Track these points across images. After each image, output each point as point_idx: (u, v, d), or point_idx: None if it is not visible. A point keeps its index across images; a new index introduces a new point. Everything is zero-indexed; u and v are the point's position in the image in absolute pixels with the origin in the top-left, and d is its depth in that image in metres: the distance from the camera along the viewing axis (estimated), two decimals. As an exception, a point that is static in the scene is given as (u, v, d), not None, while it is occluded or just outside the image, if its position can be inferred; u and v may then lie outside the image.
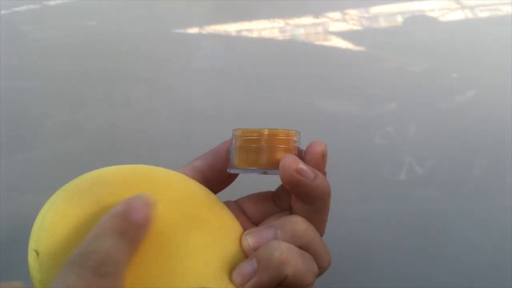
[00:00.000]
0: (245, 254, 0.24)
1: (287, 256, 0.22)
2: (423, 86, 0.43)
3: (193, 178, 0.27)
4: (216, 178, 0.27)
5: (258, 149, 0.25)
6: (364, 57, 0.44)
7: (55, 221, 0.22)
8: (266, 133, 0.25)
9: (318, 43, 0.44)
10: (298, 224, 0.24)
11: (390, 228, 0.45)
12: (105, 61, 0.45)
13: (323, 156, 0.25)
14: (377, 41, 0.44)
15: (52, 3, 0.46)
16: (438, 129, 0.44)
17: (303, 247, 0.24)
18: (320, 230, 0.26)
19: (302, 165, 0.24)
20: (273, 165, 0.25)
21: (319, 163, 0.25)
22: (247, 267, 0.22)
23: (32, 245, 0.22)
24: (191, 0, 0.44)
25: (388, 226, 0.45)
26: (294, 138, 0.26)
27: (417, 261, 0.45)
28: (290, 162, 0.24)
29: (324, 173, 0.25)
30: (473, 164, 0.44)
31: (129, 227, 0.19)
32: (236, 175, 0.28)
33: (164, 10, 0.45)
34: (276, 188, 0.28)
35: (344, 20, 0.44)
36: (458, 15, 0.43)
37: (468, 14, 0.43)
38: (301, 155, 0.26)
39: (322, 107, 0.44)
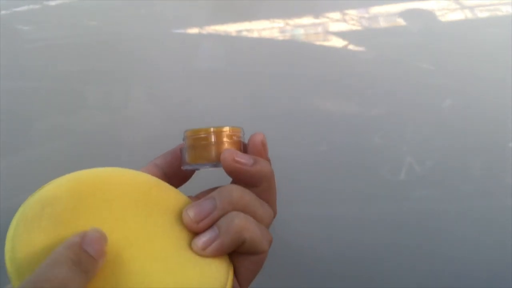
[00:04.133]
0: (188, 228, 0.26)
1: (246, 223, 0.25)
2: (423, 86, 0.43)
3: (155, 175, 0.30)
4: (175, 174, 0.30)
5: (206, 146, 0.28)
6: (364, 57, 0.44)
7: (27, 253, 0.22)
8: (212, 130, 0.29)
9: (318, 43, 0.44)
10: (233, 191, 0.26)
11: (390, 228, 0.45)
12: (105, 61, 0.45)
13: (263, 144, 0.29)
14: (377, 41, 0.44)
15: (52, 3, 0.46)
16: (438, 129, 0.44)
17: (243, 211, 0.26)
18: (273, 208, 0.29)
19: (239, 156, 0.27)
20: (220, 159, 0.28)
21: (260, 150, 0.28)
22: (208, 233, 0.25)
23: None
24: (191, 0, 0.44)
25: (388, 226, 0.45)
26: (238, 134, 0.29)
27: (417, 261, 0.45)
28: (229, 154, 0.27)
29: (267, 159, 0.29)
30: (473, 164, 0.44)
31: (84, 259, 0.19)
32: (192, 172, 0.32)
33: (164, 10, 0.45)
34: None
35: (344, 20, 0.44)
36: (458, 15, 0.43)
37: (468, 14, 0.43)
38: (245, 148, 0.29)
39: (322, 107, 0.44)
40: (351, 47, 0.44)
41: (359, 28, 0.44)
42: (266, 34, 0.44)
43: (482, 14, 0.43)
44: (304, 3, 0.44)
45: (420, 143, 0.44)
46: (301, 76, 0.44)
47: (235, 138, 0.29)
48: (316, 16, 0.44)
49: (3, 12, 0.45)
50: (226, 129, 0.29)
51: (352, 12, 0.44)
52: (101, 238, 0.21)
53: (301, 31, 0.44)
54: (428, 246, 0.45)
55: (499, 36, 0.42)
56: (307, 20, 0.44)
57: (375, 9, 0.44)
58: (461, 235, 0.44)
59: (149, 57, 0.45)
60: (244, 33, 0.45)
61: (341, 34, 0.44)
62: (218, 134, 0.28)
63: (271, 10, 0.44)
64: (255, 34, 0.44)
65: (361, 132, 0.44)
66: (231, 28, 0.44)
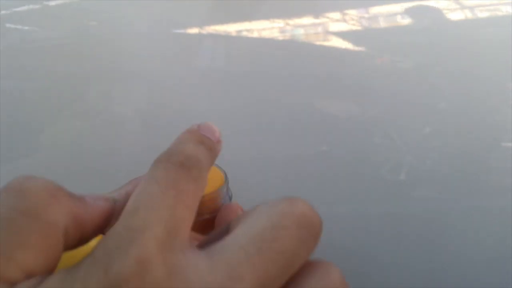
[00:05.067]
0: None
1: None
2: (423, 86, 0.43)
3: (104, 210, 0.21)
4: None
5: None
6: (364, 57, 0.44)
7: None
8: None
9: (318, 43, 0.44)
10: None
11: (390, 228, 0.45)
12: (105, 61, 0.45)
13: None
14: (377, 41, 0.44)
15: (52, 3, 0.46)
16: (438, 129, 0.44)
17: None
18: None
19: None
20: None
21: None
22: None
23: None
24: (191, 0, 0.44)
25: (388, 226, 0.45)
26: (218, 200, 0.25)
27: (417, 261, 0.45)
28: None
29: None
30: (473, 164, 0.44)
31: (206, 140, 0.19)
32: None
33: (164, 10, 0.45)
34: None
35: (344, 20, 0.44)
36: (458, 15, 0.43)
37: (468, 14, 0.43)
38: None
39: (322, 107, 0.44)
40: (351, 47, 0.44)
41: (359, 28, 0.44)
42: (266, 34, 0.44)
43: (482, 14, 0.43)
44: (304, 3, 0.44)
45: (420, 143, 0.44)
46: (301, 76, 0.44)
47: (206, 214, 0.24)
48: (316, 16, 0.44)
49: (3, 12, 0.45)
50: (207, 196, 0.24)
51: (352, 12, 0.44)
52: (214, 127, 0.21)
53: (301, 31, 0.44)
54: (428, 246, 0.45)
55: (499, 36, 0.42)
56: (307, 20, 0.44)
57: (375, 9, 0.44)
58: (461, 235, 0.44)
59: (149, 57, 0.45)
60: (244, 33, 0.45)
61: (341, 34, 0.44)
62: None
63: (271, 10, 0.44)
64: (255, 34, 0.44)
65: (361, 132, 0.44)
66: (231, 28, 0.44)
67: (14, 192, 0.16)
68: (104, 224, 0.18)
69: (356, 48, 0.44)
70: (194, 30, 0.45)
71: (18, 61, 0.46)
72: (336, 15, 0.44)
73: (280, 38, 0.44)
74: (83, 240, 0.18)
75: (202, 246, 0.16)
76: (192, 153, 0.18)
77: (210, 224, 0.24)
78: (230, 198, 0.26)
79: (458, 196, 0.44)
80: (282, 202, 0.17)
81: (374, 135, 0.44)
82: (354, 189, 0.45)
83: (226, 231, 0.17)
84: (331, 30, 0.44)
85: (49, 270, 0.15)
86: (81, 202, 0.18)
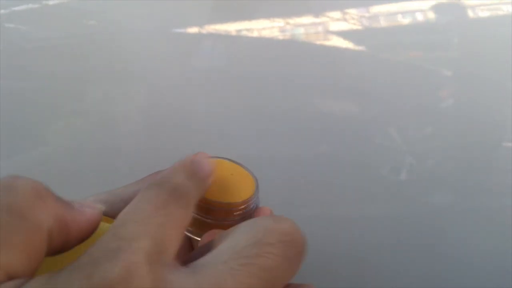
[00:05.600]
0: None
1: None
2: (423, 86, 0.43)
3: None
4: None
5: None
6: (364, 57, 0.44)
7: None
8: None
9: (318, 42, 0.44)
10: None
11: (390, 228, 0.45)
12: (105, 61, 0.45)
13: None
14: (377, 41, 0.44)
15: (51, 2, 0.46)
16: (438, 129, 0.44)
17: None
18: None
19: None
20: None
21: None
22: None
23: None
24: (191, 0, 0.44)
25: (388, 226, 0.45)
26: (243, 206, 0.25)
27: (417, 261, 0.45)
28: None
29: None
30: (473, 164, 0.44)
31: (197, 173, 0.20)
32: None
33: (164, 9, 0.45)
34: None
35: (345, 20, 0.44)
36: (458, 15, 0.43)
37: (468, 14, 0.43)
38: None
39: (322, 107, 0.44)
40: (351, 46, 0.44)
41: (359, 27, 0.44)
42: (266, 33, 0.44)
43: (483, 14, 0.43)
44: (304, 2, 0.44)
45: (420, 143, 0.44)
46: (301, 76, 0.44)
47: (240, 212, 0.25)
48: (316, 15, 0.44)
49: (2, 11, 0.45)
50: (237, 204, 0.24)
51: (353, 12, 0.44)
52: (207, 162, 0.21)
53: (301, 30, 0.44)
54: (428, 246, 0.45)
55: (499, 36, 0.42)
56: (307, 19, 0.44)
57: (376, 9, 0.44)
58: (461, 235, 0.44)
59: (149, 57, 0.45)
60: (244, 33, 0.44)
61: (341, 34, 0.44)
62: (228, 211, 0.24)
63: (271, 10, 0.44)
64: (255, 34, 0.44)
65: (361, 132, 0.44)
66: (231, 28, 0.44)
67: (1, 189, 0.16)
68: (90, 232, 0.18)
69: (356, 48, 0.44)
70: (194, 30, 0.45)
71: (17, 61, 0.46)
72: (336, 14, 0.44)
73: (280, 37, 0.44)
74: (66, 246, 0.18)
75: (185, 263, 0.16)
76: (183, 184, 0.18)
77: None
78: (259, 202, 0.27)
79: (458, 196, 0.44)
80: (266, 219, 0.17)
81: (374, 135, 0.44)
82: (354, 189, 0.45)
83: (208, 248, 0.17)
84: (332, 29, 0.44)
85: (31, 273, 0.15)
86: (68, 206, 0.18)
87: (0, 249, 0.14)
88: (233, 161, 0.27)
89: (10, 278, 0.14)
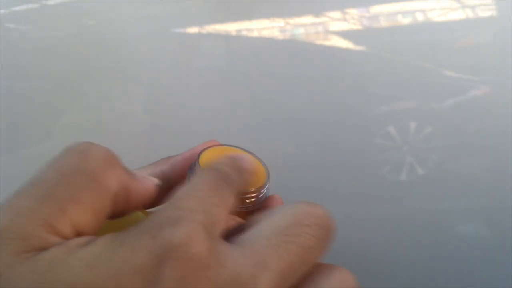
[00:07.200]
0: None
1: None
2: (423, 86, 0.43)
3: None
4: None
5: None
6: (364, 57, 0.44)
7: None
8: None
9: (318, 42, 0.44)
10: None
11: (390, 228, 0.45)
12: (104, 61, 0.45)
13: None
14: (377, 41, 0.44)
15: (51, 2, 0.46)
16: (438, 129, 0.44)
17: None
18: None
19: None
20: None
21: None
22: None
23: None
24: (191, 0, 0.44)
25: (388, 225, 0.45)
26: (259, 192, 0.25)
27: (417, 260, 0.45)
28: None
29: None
30: (473, 164, 0.44)
31: (244, 168, 0.21)
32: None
33: (164, 10, 0.44)
34: None
35: (345, 20, 0.44)
36: (459, 15, 0.43)
37: (469, 13, 0.43)
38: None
39: (322, 107, 0.44)
40: (351, 46, 0.44)
41: (359, 27, 0.44)
42: (266, 33, 0.44)
43: (483, 13, 0.43)
44: (304, 2, 0.44)
45: (420, 143, 0.44)
46: (301, 76, 0.44)
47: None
48: (316, 15, 0.44)
49: (2, 11, 0.45)
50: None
51: (353, 11, 0.44)
52: (252, 160, 0.22)
53: (301, 30, 0.44)
54: (428, 245, 0.45)
55: (499, 36, 0.42)
56: (307, 19, 0.44)
57: (376, 9, 0.44)
58: (461, 234, 0.45)
59: (149, 57, 0.45)
60: (244, 33, 0.44)
61: (341, 34, 0.44)
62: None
63: (271, 10, 0.44)
64: (255, 34, 0.44)
65: (361, 132, 0.44)
66: (231, 28, 0.44)
67: (77, 153, 0.18)
68: (146, 200, 0.20)
69: (356, 48, 0.44)
70: (194, 30, 0.45)
71: (17, 61, 0.46)
72: (336, 14, 0.44)
73: (280, 37, 0.44)
74: (124, 212, 0.19)
75: (225, 239, 0.18)
76: (233, 174, 0.20)
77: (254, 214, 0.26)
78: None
79: (458, 196, 0.44)
80: (305, 204, 0.19)
81: (374, 135, 0.44)
82: (354, 189, 0.45)
83: (243, 228, 0.18)
84: (332, 29, 0.44)
85: (94, 232, 0.17)
86: (132, 176, 0.19)
87: (71, 204, 0.16)
88: (244, 150, 0.27)
89: (78, 234, 0.16)
